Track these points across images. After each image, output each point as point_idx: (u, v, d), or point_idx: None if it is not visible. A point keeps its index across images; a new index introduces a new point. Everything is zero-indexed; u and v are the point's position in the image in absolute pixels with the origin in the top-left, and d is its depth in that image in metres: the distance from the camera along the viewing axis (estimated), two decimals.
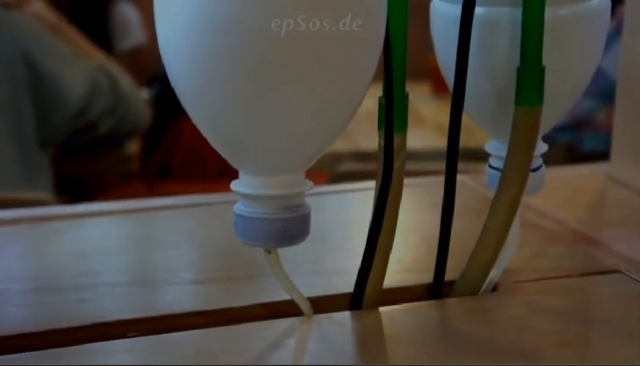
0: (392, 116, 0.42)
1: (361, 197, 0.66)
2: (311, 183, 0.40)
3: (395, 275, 0.48)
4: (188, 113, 0.39)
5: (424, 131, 1.88)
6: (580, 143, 1.68)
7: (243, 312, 0.47)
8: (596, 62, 0.50)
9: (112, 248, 0.59)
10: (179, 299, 0.50)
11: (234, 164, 0.40)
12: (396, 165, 0.43)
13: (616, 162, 0.69)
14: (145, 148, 2.04)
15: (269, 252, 0.41)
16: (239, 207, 0.40)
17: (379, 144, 0.43)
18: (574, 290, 0.49)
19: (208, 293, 0.50)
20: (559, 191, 0.63)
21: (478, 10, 0.45)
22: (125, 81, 1.76)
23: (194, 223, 0.63)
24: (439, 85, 2.22)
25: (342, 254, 0.55)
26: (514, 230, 0.48)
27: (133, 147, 1.90)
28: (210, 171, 2.19)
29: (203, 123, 0.39)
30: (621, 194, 0.65)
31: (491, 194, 0.48)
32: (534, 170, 0.49)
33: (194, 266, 0.56)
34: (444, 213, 0.47)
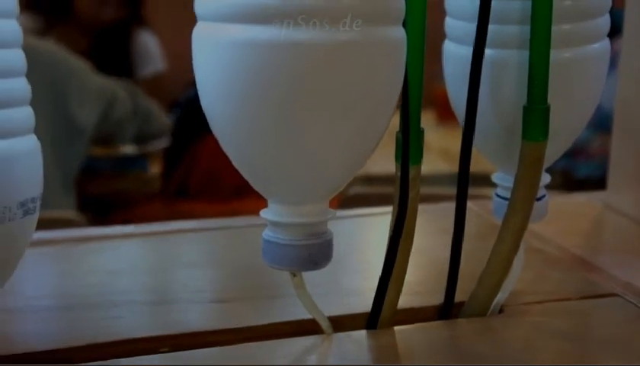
0: (409, 150, 0.43)
1: (374, 221, 0.67)
2: (334, 211, 0.41)
3: (407, 297, 0.48)
4: (223, 148, 0.39)
5: (430, 156, 1.88)
6: (575, 170, 1.68)
7: (266, 329, 0.48)
8: (597, 100, 0.50)
9: (140, 268, 0.59)
10: (205, 317, 0.50)
11: (264, 194, 0.40)
12: (411, 194, 0.44)
13: (612, 191, 0.69)
14: (165, 169, 2.04)
15: (294, 275, 0.42)
16: (267, 233, 0.41)
17: (396, 175, 0.44)
18: (575, 313, 0.50)
19: (233, 312, 0.51)
20: (560, 218, 0.64)
21: (488, 51, 0.46)
22: (141, 93, 1.81)
23: (218, 245, 0.64)
24: (443, 113, 2.22)
25: (358, 275, 0.56)
26: (519, 256, 0.49)
27: (155, 169, 1.90)
28: (226, 192, 2.18)
29: (236, 157, 0.39)
30: (617, 221, 0.66)
31: (494, 219, 0.49)
32: (538, 199, 0.50)
33: (219, 286, 0.56)
34: (455, 240, 0.48)
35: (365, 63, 0.36)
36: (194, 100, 1.71)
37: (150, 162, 1.91)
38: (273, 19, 0.35)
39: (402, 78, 0.39)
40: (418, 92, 0.43)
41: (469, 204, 0.65)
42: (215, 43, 0.37)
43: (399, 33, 0.38)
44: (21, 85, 0.39)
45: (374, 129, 0.39)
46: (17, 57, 0.39)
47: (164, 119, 1.92)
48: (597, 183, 1.11)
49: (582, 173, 1.67)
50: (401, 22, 0.38)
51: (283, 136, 0.37)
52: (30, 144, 0.40)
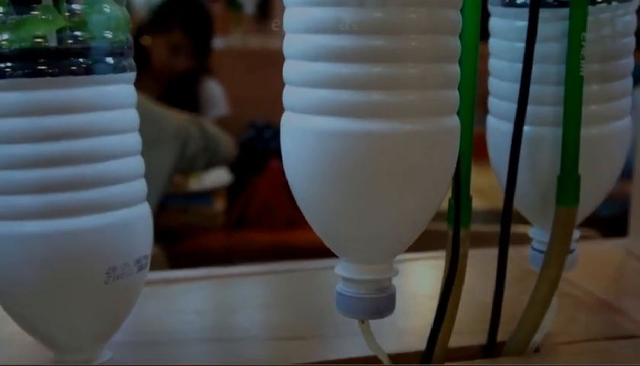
0: (460, 215, 0.46)
1: (423, 265, 0.70)
2: (397, 269, 0.43)
3: (455, 336, 0.50)
4: (306, 217, 0.42)
5: None
6: (598, 210, 1.68)
7: (336, 364, 0.51)
8: (621, 168, 0.52)
9: (215, 309, 0.61)
10: (279, 353, 0.53)
11: (338, 254, 0.42)
12: (462, 251, 0.47)
13: (633, 238, 0.71)
14: (227, 204, 2.07)
15: (362, 322, 0.44)
16: (341, 287, 0.43)
17: (448, 235, 0.47)
18: (602, 352, 0.52)
19: (304, 348, 0.53)
20: (587, 265, 0.65)
21: (526, 128, 0.48)
22: (210, 126, 1.85)
23: (288, 287, 0.66)
24: (477, 153, 2.22)
25: (412, 316, 0.58)
26: (553, 301, 0.51)
27: (219, 205, 1.94)
28: (280, 222, 2.21)
29: (316, 225, 0.42)
30: (638, 267, 0.67)
31: (529, 265, 0.51)
32: (569, 252, 0.52)
33: (290, 325, 0.58)
34: (497, 286, 0.50)
35: (428, 148, 0.39)
36: (253, 139, 1.76)
37: (214, 198, 1.94)
38: (349, 113, 0.38)
39: (456, 157, 0.42)
40: (467, 166, 0.46)
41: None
42: (299, 132, 0.39)
43: (455, 122, 0.40)
44: (139, 161, 0.43)
45: (435, 199, 0.41)
46: (135, 140, 0.42)
47: (230, 144, 1.95)
48: (618, 220, 1.11)
49: (604, 213, 1.67)
50: (457, 111, 0.41)
51: (359, 210, 0.39)
52: (144, 210, 0.43)
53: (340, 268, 0.43)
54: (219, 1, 3.64)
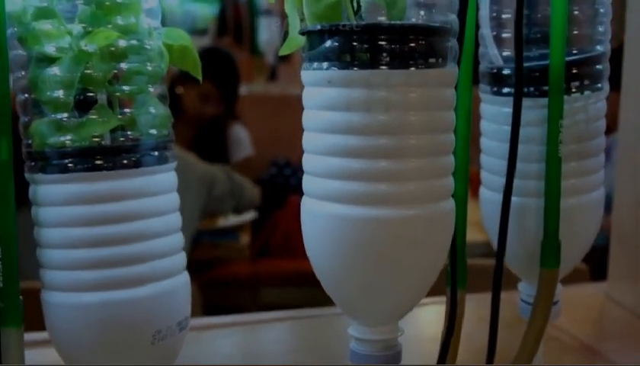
0: (456, 279, 0.48)
1: (426, 311, 0.71)
2: (402, 329, 0.45)
3: None
4: (323, 286, 0.44)
5: None
6: None
7: None
8: (597, 231, 0.54)
9: (243, 354, 0.63)
10: None
11: (351, 317, 0.44)
12: (458, 311, 0.49)
13: (613, 284, 0.72)
14: (252, 237, 2.10)
15: None
16: (353, 345, 0.45)
17: (446, 296, 0.49)
18: None
19: None
20: (571, 310, 0.67)
21: (514, 198, 0.50)
22: (236, 174, 1.88)
23: (309, 333, 0.67)
24: (475, 189, 2.22)
25: (416, 357, 0.60)
26: (541, 346, 0.53)
27: (244, 239, 1.96)
28: (300, 251, 2.23)
29: (333, 293, 0.44)
30: (616, 312, 0.69)
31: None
32: (554, 303, 0.53)
33: None
34: (491, 331, 0.52)
35: (427, 229, 0.41)
36: (274, 177, 1.79)
37: (240, 233, 1.97)
38: (359, 201, 0.40)
39: (452, 233, 0.44)
40: (462, 238, 0.48)
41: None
42: (315, 215, 0.42)
43: (450, 205, 0.43)
44: (179, 237, 0.45)
45: (435, 269, 0.43)
46: (176, 219, 0.45)
47: (255, 191, 1.99)
48: (605, 250, 1.12)
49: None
50: (452, 195, 0.43)
51: (367, 282, 0.41)
52: (185, 279, 0.45)
53: (353, 329, 0.45)
54: (243, 51, 3.69)
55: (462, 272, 0.48)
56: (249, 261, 2.19)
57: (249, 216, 2.00)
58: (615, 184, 0.73)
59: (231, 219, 1.93)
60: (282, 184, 2.45)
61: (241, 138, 2.38)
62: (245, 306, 2.06)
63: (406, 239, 0.41)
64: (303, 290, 1.70)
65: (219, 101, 2.25)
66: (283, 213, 2.34)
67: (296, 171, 2.43)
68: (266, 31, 2.95)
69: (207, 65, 2.23)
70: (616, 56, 0.56)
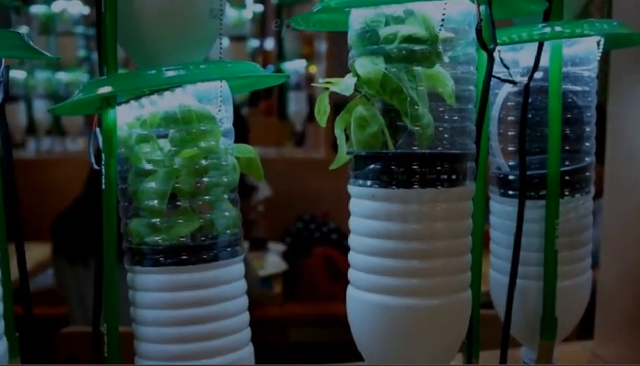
0: (472, 350, 0.51)
1: None
2: None
3: None
4: (364, 358, 0.47)
5: None
6: None
7: None
8: (585, 306, 0.57)
9: None
10: None
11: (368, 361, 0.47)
12: None
13: (597, 343, 0.73)
14: (283, 285, 2.11)
15: None
16: None
17: (463, 362, 0.52)
18: None
19: None
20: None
21: (518, 281, 0.53)
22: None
23: None
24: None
25: None
26: None
27: (277, 287, 1.98)
28: (323, 296, 2.24)
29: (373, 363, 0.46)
30: None
31: None
32: None
33: None
34: None
35: (449, 315, 0.44)
36: (300, 230, 1.80)
37: (273, 282, 1.98)
38: (395, 293, 0.43)
39: (470, 315, 0.46)
40: (477, 322, 0.51)
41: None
42: (359, 302, 0.45)
43: (468, 295, 0.45)
44: (246, 316, 0.48)
45: (455, 345, 0.45)
46: (244, 301, 0.48)
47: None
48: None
49: None
50: (469, 285, 0.46)
51: (403, 356, 0.44)
52: (250, 350, 0.47)
53: None
54: (271, 116, 3.73)
55: (477, 345, 0.51)
56: (278, 304, 2.20)
57: (281, 268, 2.01)
58: (600, 253, 0.74)
59: (266, 270, 1.95)
60: (307, 236, 2.47)
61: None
62: (277, 343, 2.07)
63: (433, 323, 0.44)
64: (328, 329, 1.72)
65: None
66: (308, 262, 2.36)
67: (319, 226, 2.45)
68: (294, 103, 3.01)
69: None
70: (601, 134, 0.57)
